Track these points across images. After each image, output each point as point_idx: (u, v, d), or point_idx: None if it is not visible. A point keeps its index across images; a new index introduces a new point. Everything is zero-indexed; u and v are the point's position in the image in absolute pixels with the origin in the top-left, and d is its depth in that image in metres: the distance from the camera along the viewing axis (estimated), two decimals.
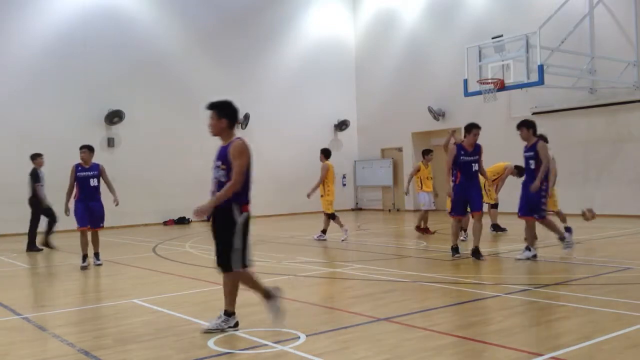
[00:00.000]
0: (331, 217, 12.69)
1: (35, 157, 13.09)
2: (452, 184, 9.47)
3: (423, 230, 13.27)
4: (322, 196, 12.80)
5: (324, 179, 12.73)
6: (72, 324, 5.83)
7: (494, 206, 13.35)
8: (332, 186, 12.84)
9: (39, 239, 12.47)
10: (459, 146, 9.47)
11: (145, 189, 18.50)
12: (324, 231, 12.68)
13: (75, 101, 17.96)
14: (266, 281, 8.11)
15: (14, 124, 16.99)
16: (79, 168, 10.01)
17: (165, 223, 19.20)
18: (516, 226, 14.30)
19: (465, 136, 9.56)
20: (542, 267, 8.49)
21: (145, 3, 19.58)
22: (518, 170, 13.52)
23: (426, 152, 13.62)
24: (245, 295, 6.19)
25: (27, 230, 12.88)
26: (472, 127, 9.43)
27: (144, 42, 19.31)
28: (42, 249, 12.44)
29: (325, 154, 13.14)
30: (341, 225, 12.53)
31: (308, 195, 12.94)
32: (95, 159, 11.98)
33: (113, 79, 18.57)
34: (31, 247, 12.57)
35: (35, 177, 12.84)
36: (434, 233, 13.26)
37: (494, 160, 20.17)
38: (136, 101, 18.88)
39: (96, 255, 10.20)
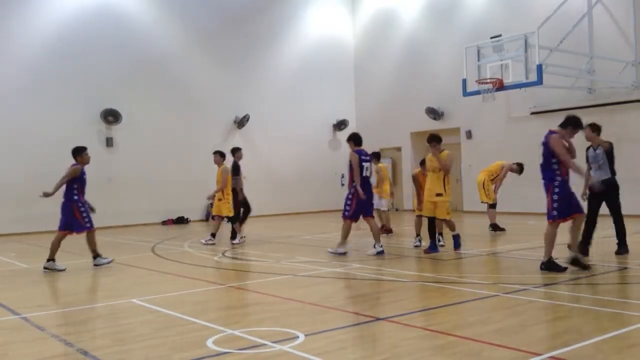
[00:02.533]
0: (233, 219, 12.48)
1: (236, 152, 13.37)
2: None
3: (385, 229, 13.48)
4: (220, 200, 12.49)
5: (225, 183, 12.47)
6: (71, 324, 5.83)
7: (493, 206, 13.36)
8: (230, 189, 12.56)
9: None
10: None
11: (144, 189, 18.51)
12: (235, 235, 12.52)
13: (74, 101, 17.96)
14: (266, 281, 8.13)
15: (14, 124, 16.98)
16: (83, 170, 9.81)
17: (164, 223, 19.19)
18: (516, 226, 14.32)
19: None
20: None
21: (145, 3, 19.57)
22: (519, 167, 13.61)
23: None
24: (245, 295, 6.21)
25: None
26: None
27: (144, 42, 19.30)
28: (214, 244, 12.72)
29: (222, 155, 12.85)
30: (238, 227, 12.43)
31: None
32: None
33: (113, 79, 18.56)
34: (234, 236, 12.86)
35: (235, 170, 13.10)
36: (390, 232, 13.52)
37: (492, 159, 20.22)
38: (136, 101, 18.88)
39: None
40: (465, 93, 16.06)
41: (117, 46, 18.71)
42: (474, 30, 18.78)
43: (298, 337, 5.00)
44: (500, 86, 14.81)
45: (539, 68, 14.01)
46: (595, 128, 9.32)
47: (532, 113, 18.05)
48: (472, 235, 13.28)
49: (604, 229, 12.41)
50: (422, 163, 11.33)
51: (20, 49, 17.28)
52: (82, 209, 9.60)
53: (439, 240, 10.93)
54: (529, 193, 17.83)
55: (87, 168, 9.85)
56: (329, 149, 23.13)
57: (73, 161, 9.76)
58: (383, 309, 6.13)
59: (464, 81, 15.86)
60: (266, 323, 5.63)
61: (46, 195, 9.38)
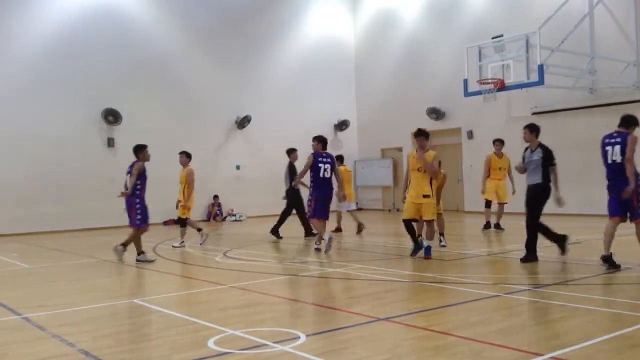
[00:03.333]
0: (183, 221, 12.39)
1: (292, 152, 13.62)
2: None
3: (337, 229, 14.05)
4: (179, 201, 12.42)
5: (188, 184, 12.39)
6: (71, 324, 5.83)
7: (488, 204, 13.44)
8: (193, 192, 12.49)
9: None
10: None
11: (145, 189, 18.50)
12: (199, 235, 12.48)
13: (75, 101, 17.97)
14: (267, 281, 8.13)
15: (14, 124, 16.98)
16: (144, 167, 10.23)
17: (166, 223, 19.18)
18: (516, 226, 14.30)
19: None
20: (542, 267, 8.49)
21: (145, 3, 19.58)
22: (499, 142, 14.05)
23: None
24: (246, 296, 6.21)
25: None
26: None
27: (144, 42, 19.31)
28: (282, 237, 13.05)
29: (188, 156, 12.79)
30: (184, 232, 12.37)
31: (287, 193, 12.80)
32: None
33: (113, 79, 18.57)
34: (276, 233, 13.09)
35: (292, 171, 13.31)
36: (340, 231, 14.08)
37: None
38: (136, 101, 18.89)
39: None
40: (467, 93, 16.06)
41: (118, 46, 18.72)
42: (475, 31, 18.77)
43: (299, 337, 4.99)
44: (501, 86, 14.81)
45: (540, 68, 14.01)
46: (534, 129, 9.02)
47: (534, 113, 18.02)
48: (472, 235, 13.28)
49: (604, 229, 12.39)
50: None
51: (20, 49, 17.29)
52: (139, 205, 10.04)
53: (441, 241, 10.94)
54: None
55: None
56: (330, 149, 23.02)
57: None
58: (384, 309, 6.13)
59: (465, 81, 15.86)
60: (267, 323, 5.63)
61: (124, 195, 10.01)
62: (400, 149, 22.32)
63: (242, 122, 20.89)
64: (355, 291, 7.28)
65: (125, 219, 10.33)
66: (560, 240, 9.11)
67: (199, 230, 12.44)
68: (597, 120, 16.73)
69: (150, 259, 10.13)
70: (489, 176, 13.58)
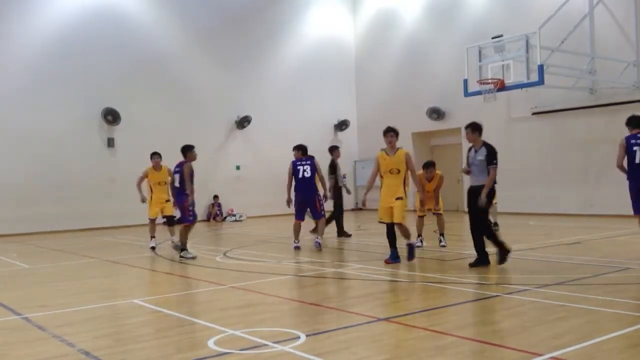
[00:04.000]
0: (152, 222, 12.34)
1: (334, 150, 13.58)
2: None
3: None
4: (168, 201, 12.35)
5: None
6: (72, 324, 5.83)
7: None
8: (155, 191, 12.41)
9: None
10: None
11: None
12: (154, 237, 12.35)
13: (75, 101, 17.97)
14: (267, 281, 8.13)
15: (14, 124, 16.99)
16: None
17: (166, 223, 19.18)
18: (516, 226, 14.30)
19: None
20: (542, 267, 8.49)
21: (145, 3, 19.58)
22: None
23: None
24: (246, 296, 6.21)
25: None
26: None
27: (144, 43, 19.31)
28: (351, 235, 13.26)
29: (160, 156, 12.73)
30: (152, 236, 12.27)
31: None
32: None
33: (113, 79, 18.58)
34: (341, 233, 13.15)
35: (333, 168, 13.31)
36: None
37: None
38: (136, 101, 18.89)
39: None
40: (467, 93, 16.06)
41: (118, 46, 18.72)
42: (475, 31, 18.77)
43: (299, 337, 4.99)
44: (501, 86, 14.80)
45: (540, 68, 14.00)
46: (476, 128, 8.81)
47: (534, 113, 18.04)
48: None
49: (604, 229, 12.43)
50: (425, 167, 11.18)
51: (20, 49, 17.30)
52: (190, 203, 10.58)
53: (441, 241, 10.93)
54: (530, 193, 17.87)
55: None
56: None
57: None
58: (384, 309, 6.13)
59: (465, 81, 15.86)
60: (267, 323, 5.63)
61: (191, 199, 10.64)
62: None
63: (242, 122, 20.89)
64: (355, 291, 7.28)
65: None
66: (501, 250, 8.56)
67: (153, 237, 12.32)
68: (597, 120, 16.75)
69: (193, 255, 10.39)
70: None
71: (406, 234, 9.02)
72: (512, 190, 18.72)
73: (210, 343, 4.90)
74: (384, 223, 9.05)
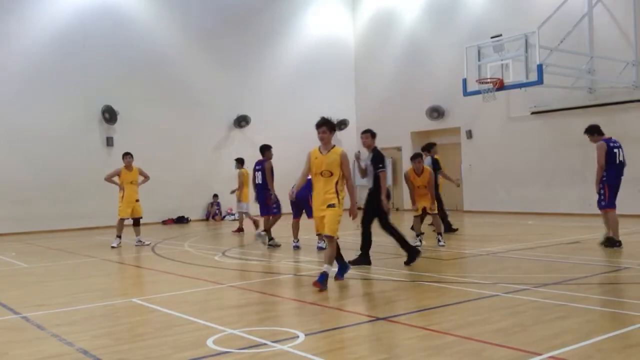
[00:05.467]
0: (121, 221, 12.42)
1: (432, 147, 13.40)
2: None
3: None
4: (137, 200, 12.53)
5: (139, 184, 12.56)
6: (71, 323, 5.82)
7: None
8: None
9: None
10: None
11: (144, 189, 18.41)
12: (119, 236, 12.46)
13: (74, 101, 17.96)
14: (266, 281, 8.13)
15: (13, 124, 16.97)
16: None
17: (164, 222, 19.19)
18: (516, 226, 14.30)
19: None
20: (542, 267, 8.49)
21: (145, 3, 19.56)
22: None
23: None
24: (246, 295, 6.21)
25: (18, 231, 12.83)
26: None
27: (144, 42, 19.30)
28: (457, 229, 13.25)
29: (131, 156, 12.88)
30: (118, 235, 12.43)
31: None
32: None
33: (113, 79, 18.56)
34: (447, 229, 13.01)
35: (436, 164, 13.20)
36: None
37: (492, 159, 20.24)
38: (136, 101, 18.88)
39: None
40: (466, 93, 16.07)
41: (117, 46, 18.71)
42: (475, 30, 18.78)
43: (298, 336, 4.99)
44: (500, 86, 14.81)
45: (540, 68, 14.02)
46: (375, 134, 9.20)
47: (533, 113, 18.05)
48: (473, 235, 13.28)
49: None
50: (413, 158, 11.03)
51: (20, 48, 17.28)
52: (273, 197, 11.42)
53: (439, 240, 10.91)
54: (529, 193, 17.88)
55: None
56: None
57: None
58: (383, 309, 6.13)
59: (464, 81, 15.87)
60: (266, 323, 5.63)
61: (273, 194, 11.46)
62: (399, 149, 22.32)
63: (239, 122, 20.88)
64: (354, 291, 7.28)
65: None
66: (408, 246, 8.95)
67: (118, 237, 12.42)
68: (596, 120, 16.64)
69: (278, 244, 11.32)
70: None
71: (328, 257, 7.33)
72: (511, 189, 18.73)
73: (209, 342, 4.90)
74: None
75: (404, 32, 22.23)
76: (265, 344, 4.82)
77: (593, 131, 10.46)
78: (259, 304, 6.54)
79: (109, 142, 18.47)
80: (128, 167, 12.65)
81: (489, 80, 14.98)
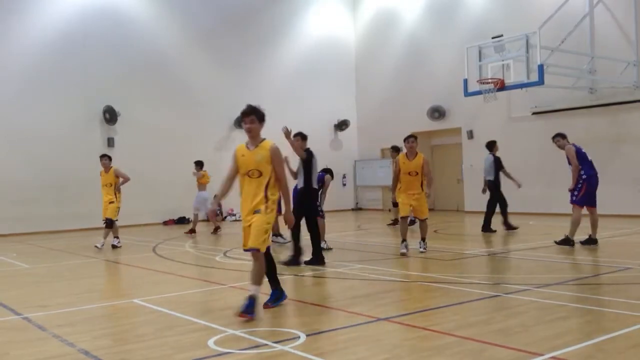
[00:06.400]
0: (110, 223, 12.32)
1: (494, 145, 13.63)
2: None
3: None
4: (111, 202, 12.33)
5: (119, 185, 12.45)
6: (72, 324, 5.83)
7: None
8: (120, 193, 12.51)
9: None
10: None
11: (145, 189, 18.49)
12: (117, 237, 12.43)
13: (75, 101, 17.96)
14: (266, 280, 8.13)
15: (14, 124, 16.98)
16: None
17: (165, 223, 19.20)
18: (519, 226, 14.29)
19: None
20: (542, 267, 8.49)
21: (145, 3, 19.57)
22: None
23: None
24: (245, 295, 6.18)
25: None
26: None
27: (144, 42, 19.31)
28: (495, 231, 13.06)
29: (110, 158, 12.86)
30: (116, 236, 12.41)
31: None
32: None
33: (113, 79, 18.56)
34: (486, 228, 13.10)
35: (498, 163, 13.40)
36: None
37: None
38: (136, 101, 18.89)
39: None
40: (467, 93, 16.06)
41: (117, 46, 18.72)
42: (475, 30, 18.77)
43: (299, 337, 5.00)
44: (501, 86, 14.81)
45: (540, 68, 14.01)
46: (305, 137, 9.55)
47: (534, 113, 18.04)
48: (473, 235, 13.28)
49: (604, 229, 12.43)
50: (406, 138, 10.14)
51: (20, 48, 17.29)
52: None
53: (420, 245, 10.14)
54: (530, 193, 17.85)
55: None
56: (330, 149, 23.12)
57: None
58: (384, 309, 6.13)
59: (465, 81, 15.86)
60: (267, 323, 5.63)
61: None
62: (400, 149, 22.29)
63: (239, 122, 20.87)
64: (355, 291, 7.28)
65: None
66: (297, 252, 9.31)
67: (117, 237, 12.44)
68: (597, 120, 16.75)
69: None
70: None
71: (255, 275, 5.93)
72: (512, 189, 18.71)
73: (211, 343, 4.90)
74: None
75: (405, 32, 22.23)
76: (266, 344, 4.83)
77: (561, 136, 10.84)
78: (260, 305, 6.54)
79: (110, 142, 18.47)
80: (104, 169, 12.61)
81: (489, 80, 14.98)
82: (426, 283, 7.55)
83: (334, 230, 13.30)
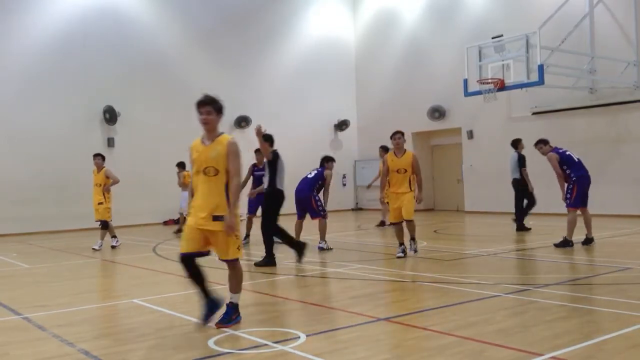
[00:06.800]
0: (105, 224, 12.33)
1: (519, 142, 13.63)
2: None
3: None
4: (100, 203, 12.29)
5: (107, 187, 12.44)
6: (72, 324, 5.83)
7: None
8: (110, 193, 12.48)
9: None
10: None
11: (145, 189, 18.50)
12: (114, 236, 12.46)
13: (75, 101, 17.96)
14: (267, 281, 8.12)
15: (14, 124, 16.98)
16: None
17: (166, 223, 19.20)
18: (509, 226, 14.29)
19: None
20: (542, 267, 8.49)
21: (145, 3, 19.57)
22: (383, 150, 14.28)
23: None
24: (246, 296, 6.20)
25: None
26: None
27: (144, 42, 19.31)
28: (530, 229, 13.02)
29: (104, 158, 12.86)
30: (114, 235, 12.46)
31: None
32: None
33: (113, 79, 18.57)
34: (521, 227, 13.01)
35: (522, 161, 13.47)
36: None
37: (493, 159, 20.21)
38: (136, 101, 18.89)
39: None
40: (467, 93, 16.06)
41: (117, 46, 18.72)
42: (475, 30, 18.77)
43: (299, 337, 5.00)
44: (501, 86, 14.81)
45: (541, 68, 14.01)
46: (268, 138, 9.58)
47: (534, 113, 18.03)
48: (474, 235, 13.28)
49: (604, 229, 12.44)
50: (393, 135, 9.62)
51: (20, 48, 17.29)
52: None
53: (410, 246, 9.69)
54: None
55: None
56: (330, 149, 23.12)
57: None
58: (384, 309, 6.13)
59: (465, 81, 15.86)
60: (267, 323, 5.63)
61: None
62: (389, 149, 22.30)
63: (240, 122, 20.89)
64: (355, 291, 7.28)
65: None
66: (297, 247, 9.57)
67: (114, 236, 12.45)
68: (597, 120, 16.75)
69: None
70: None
71: (236, 286, 5.57)
72: (512, 190, 18.69)
73: (211, 343, 4.91)
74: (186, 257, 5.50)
75: (405, 32, 22.23)
76: (266, 344, 4.83)
77: (540, 143, 10.85)
78: (260, 305, 6.54)
79: (110, 142, 18.48)
80: (97, 168, 12.58)
81: (490, 80, 14.98)
82: (426, 283, 7.55)
83: (334, 230, 13.30)
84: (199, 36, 20.44)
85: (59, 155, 17.53)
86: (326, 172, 11.34)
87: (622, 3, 16.37)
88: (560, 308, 5.84)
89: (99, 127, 18.44)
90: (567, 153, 10.53)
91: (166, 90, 19.55)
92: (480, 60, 15.29)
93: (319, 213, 11.01)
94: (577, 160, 10.48)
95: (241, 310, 5.61)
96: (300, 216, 11.26)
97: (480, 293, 6.70)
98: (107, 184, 12.41)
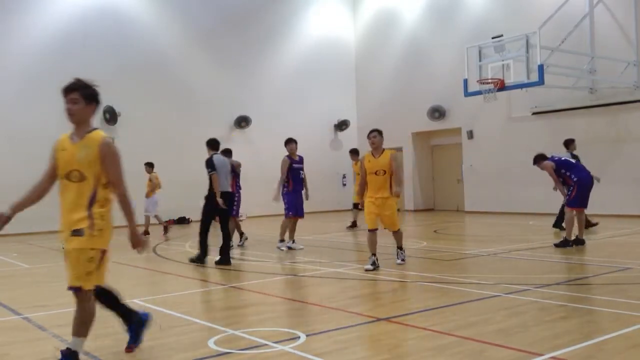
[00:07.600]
0: None
1: (571, 143, 13.60)
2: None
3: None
4: None
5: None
6: (72, 324, 5.82)
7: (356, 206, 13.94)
8: None
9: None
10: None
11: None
12: None
13: None
14: (267, 281, 8.13)
15: (14, 124, 16.98)
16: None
17: (166, 223, 19.18)
18: (516, 226, 14.29)
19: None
20: (542, 267, 8.49)
21: (145, 3, 19.57)
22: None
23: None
24: (247, 296, 6.21)
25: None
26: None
27: (144, 42, 19.31)
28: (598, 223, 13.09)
29: (152, 165, 13.36)
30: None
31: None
32: None
33: (113, 79, 18.52)
34: (557, 224, 12.96)
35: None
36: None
37: (493, 159, 20.22)
38: (136, 101, 18.88)
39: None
40: (467, 93, 16.06)
41: (118, 46, 18.71)
42: (475, 30, 18.77)
43: (299, 337, 5.00)
44: (501, 86, 14.81)
45: (541, 68, 14.00)
46: (208, 143, 10.38)
47: (534, 113, 18.03)
48: (474, 235, 13.29)
49: (604, 229, 12.45)
50: (369, 133, 8.85)
51: (20, 48, 17.28)
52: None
53: (398, 256, 9.00)
54: (530, 193, 17.86)
55: None
56: (330, 149, 23.14)
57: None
58: (384, 309, 6.13)
59: (465, 81, 15.86)
60: (267, 323, 5.63)
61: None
62: (400, 149, 22.31)
63: (240, 122, 20.89)
64: (355, 291, 7.28)
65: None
66: (201, 251, 9.76)
67: None
68: (597, 120, 16.75)
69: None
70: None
71: (79, 325, 4.41)
72: (512, 190, 18.72)
73: (211, 343, 4.91)
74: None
75: (405, 32, 22.23)
76: (266, 344, 4.83)
77: (538, 159, 10.92)
78: (260, 305, 6.54)
79: None
80: None
81: (490, 80, 14.98)
82: (426, 283, 7.55)
83: (334, 230, 13.30)
84: (199, 36, 20.44)
85: None
86: (283, 159, 12.02)
87: (622, 3, 16.38)
88: (560, 308, 5.84)
89: (99, 127, 18.38)
90: (564, 158, 10.75)
91: (166, 90, 19.55)
92: (480, 60, 15.29)
93: (286, 213, 11.31)
94: (575, 162, 10.70)
95: (241, 310, 5.61)
96: (301, 215, 11.48)
97: (480, 293, 6.70)
98: None
